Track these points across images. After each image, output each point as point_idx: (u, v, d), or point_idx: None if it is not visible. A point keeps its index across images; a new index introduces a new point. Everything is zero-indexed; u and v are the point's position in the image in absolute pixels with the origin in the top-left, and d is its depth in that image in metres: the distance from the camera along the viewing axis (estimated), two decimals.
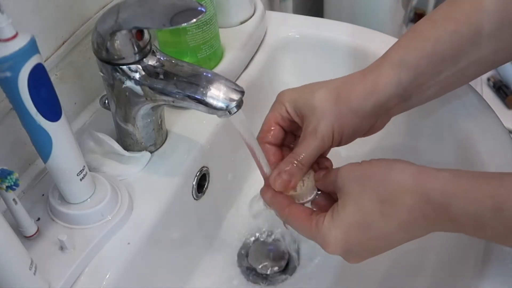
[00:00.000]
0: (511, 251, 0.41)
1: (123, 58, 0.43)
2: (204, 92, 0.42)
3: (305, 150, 0.44)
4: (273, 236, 0.62)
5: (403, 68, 0.43)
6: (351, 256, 0.41)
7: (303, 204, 0.45)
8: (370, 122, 0.45)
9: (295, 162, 0.44)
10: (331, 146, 0.45)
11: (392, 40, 0.61)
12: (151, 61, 0.44)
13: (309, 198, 0.45)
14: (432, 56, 0.43)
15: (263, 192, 0.45)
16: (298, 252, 0.59)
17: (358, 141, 0.47)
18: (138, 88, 0.44)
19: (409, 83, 0.44)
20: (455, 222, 0.36)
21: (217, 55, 0.57)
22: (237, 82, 0.52)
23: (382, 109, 0.45)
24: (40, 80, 0.36)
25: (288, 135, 0.48)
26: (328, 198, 0.45)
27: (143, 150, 0.51)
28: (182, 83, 0.43)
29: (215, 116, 0.44)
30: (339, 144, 0.45)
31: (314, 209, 0.43)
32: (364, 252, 0.41)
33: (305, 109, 0.45)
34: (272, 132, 0.47)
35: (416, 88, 0.44)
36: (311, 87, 0.46)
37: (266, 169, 0.46)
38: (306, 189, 0.44)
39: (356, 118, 0.44)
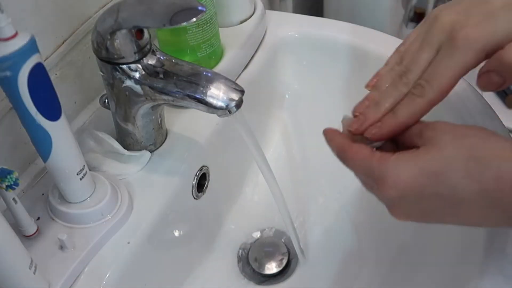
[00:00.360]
0: (511, 251, 0.41)
1: (123, 57, 0.43)
2: (204, 91, 0.42)
3: (443, 67, 0.37)
4: (273, 236, 0.62)
5: None
6: (400, 206, 0.36)
7: None
8: None
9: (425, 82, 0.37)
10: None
11: (392, 40, 0.61)
12: (151, 61, 0.44)
13: (375, 144, 0.39)
14: None
15: (324, 131, 0.40)
16: (298, 252, 0.59)
17: None
18: (138, 88, 0.44)
19: None
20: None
21: (217, 54, 0.57)
22: (237, 81, 0.52)
23: None
24: (40, 79, 0.36)
25: None
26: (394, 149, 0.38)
27: (143, 150, 0.51)
28: (182, 82, 0.43)
29: (215, 115, 0.44)
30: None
31: None
32: (416, 209, 0.35)
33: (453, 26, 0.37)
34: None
35: None
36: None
37: (267, 169, 0.46)
38: None
39: None
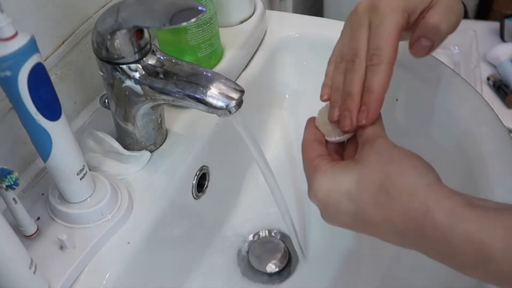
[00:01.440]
0: None
1: (123, 57, 0.43)
2: (204, 91, 0.42)
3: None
4: (273, 236, 0.62)
5: None
6: (324, 212, 0.38)
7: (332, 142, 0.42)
8: None
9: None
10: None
11: None
12: (151, 60, 0.44)
13: (337, 138, 0.42)
14: None
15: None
16: (298, 251, 0.59)
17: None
18: (138, 87, 0.44)
19: None
20: (452, 246, 0.32)
21: (217, 54, 0.57)
22: (237, 81, 0.52)
23: None
24: (40, 79, 0.36)
25: None
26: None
27: (143, 149, 0.51)
28: (182, 82, 0.43)
29: (215, 115, 0.44)
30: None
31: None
32: (337, 219, 0.38)
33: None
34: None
35: None
36: None
37: (267, 168, 0.46)
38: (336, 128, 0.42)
39: None
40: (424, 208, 0.33)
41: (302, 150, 0.41)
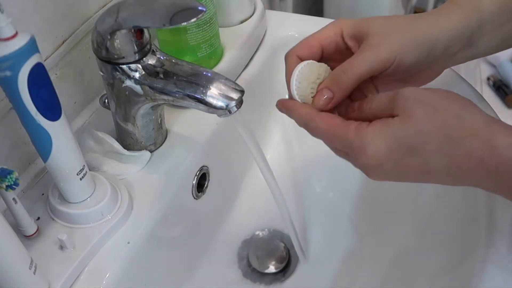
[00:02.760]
0: (511, 251, 0.41)
1: (123, 57, 0.43)
2: (204, 91, 0.42)
3: (359, 62, 0.40)
4: (273, 236, 0.62)
5: (475, 11, 0.42)
6: (378, 171, 0.37)
7: None
8: (430, 60, 0.42)
9: (341, 73, 0.40)
10: (384, 71, 0.41)
11: None
12: (151, 60, 0.44)
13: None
14: (505, 4, 0.42)
15: (280, 103, 0.42)
16: (298, 252, 0.59)
17: None
18: (138, 88, 0.44)
19: (478, 28, 0.42)
20: None
21: (217, 54, 0.57)
22: (237, 81, 0.52)
23: (447, 49, 0.42)
24: (40, 79, 0.36)
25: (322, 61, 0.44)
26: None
27: (143, 150, 0.51)
28: (182, 82, 0.43)
29: (215, 115, 0.44)
30: (397, 69, 0.41)
31: None
32: (393, 173, 0.37)
33: (368, 31, 0.41)
34: (309, 49, 0.43)
35: (483, 35, 0.42)
36: (374, 18, 0.43)
37: (267, 168, 0.46)
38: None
39: (419, 51, 0.41)
40: (488, 145, 0.33)
41: (316, 126, 0.39)
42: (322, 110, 0.40)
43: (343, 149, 0.38)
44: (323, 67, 0.43)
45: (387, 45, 0.40)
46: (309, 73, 0.42)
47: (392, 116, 0.36)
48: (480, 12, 0.42)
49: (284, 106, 0.42)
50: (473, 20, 0.42)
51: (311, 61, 0.43)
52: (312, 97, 0.41)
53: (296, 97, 0.42)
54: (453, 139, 0.34)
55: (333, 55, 0.44)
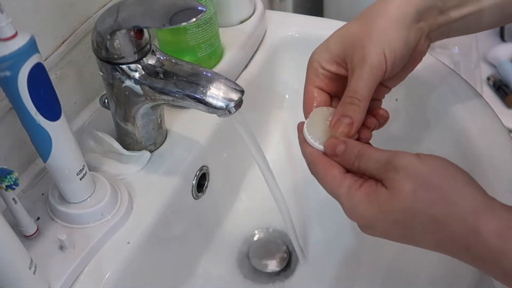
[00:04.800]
0: None
1: (123, 57, 0.43)
2: (204, 91, 0.42)
3: (358, 82, 0.39)
4: (273, 236, 0.62)
5: None
6: (364, 229, 0.38)
7: None
8: (416, 36, 0.41)
9: (351, 99, 0.39)
10: (387, 69, 0.40)
11: None
12: (150, 61, 0.44)
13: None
14: None
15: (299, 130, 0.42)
16: (298, 251, 0.59)
17: None
18: (137, 88, 0.44)
19: None
20: (505, 272, 0.32)
21: (217, 54, 0.57)
22: (237, 82, 0.52)
23: (423, 20, 0.41)
24: (39, 79, 0.36)
25: (334, 100, 0.44)
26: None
27: (143, 150, 0.51)
28: (181, 82, 0.43)
29: (215, 115, 0.44)
30: (394, 65, 0.40)
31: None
32: (382, 235, 0.38)
33: (345, 48, 0.41)
34: (316, 100, 0.43)
35: (456, 7, 0.42)
36: (341, 29, 0.43)
37: (267, 168, 0.46)
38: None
39: (402, 29, 0.40)
40: (475, 234, 0.33)
41: (316, 171, 0.39)
42: (348, 137, 0.39)
43: (335, 199, 0.39)
44: (330, 110, 0.43)
45: (373, 48, 0.39)
46: (318, 117, 0.42)
47: (382, 182, 0.36)
48: None
49: (300, 139, 0.42)
50: None
51: (317, 108, 0.43)
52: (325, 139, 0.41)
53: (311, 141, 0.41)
54: (439, 222, 0.34)
55: (338, 86, 0.44)
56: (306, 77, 0.44)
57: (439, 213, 0.34)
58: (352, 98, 0.39)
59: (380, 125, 0.44)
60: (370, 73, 0.39)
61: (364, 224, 0.38)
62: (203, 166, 0.55)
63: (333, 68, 0.43)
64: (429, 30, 0.42)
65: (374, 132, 0.46)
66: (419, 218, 0.34)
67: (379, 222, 0.36)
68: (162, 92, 0.44)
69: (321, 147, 0.40)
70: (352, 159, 0.38)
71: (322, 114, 0.42)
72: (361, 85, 0.39)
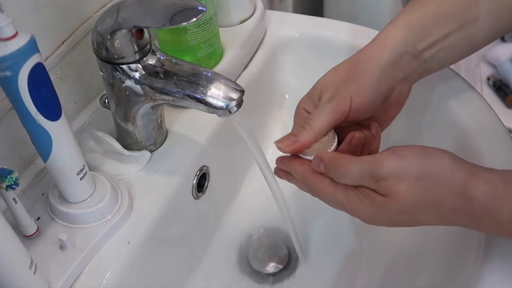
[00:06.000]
0: (511, 249, 0.41)
1: (123, 57, 0.43)
2: (204, 91, 0.42)
3: (316, 113, 0.43)
4: (273, 235, 0.62)
5: (409, 28, 0.44)
6: (371, 223, 0.41)
7: None
8: (389, 82, 0.45)
9: (303, 124, 0.43)
10: (352, 110, 0.43)
11: None
12: (151, 60, 0.44)
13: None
14: (437, 16, 0.44)
15: (278, 160, 0.45)
16: (298, 251, 0.59)
17: None
18: (138, 87, 0.44)
19: (418, 40, 0.44)
20: (500, 225, 0.37)
21: (217, 54, 0.57)
22: (237, 81, 0.52)
23: (396, 68, 0.44)
24: (40, 79, 0.36)
25: None
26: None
27: (143, 149, 0.51)
28: (182, 82, 0.43)
29: (215, 115, 0.44)
30: (361, 109, 0.44)
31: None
32: (387, 223, 0.41)
33: (320, 93, 0.45)
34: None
35: (427, 48, 0.45)
36: (322, 78, 0.46)
37: (267, 168, 0.46)
38: (322, 146, 0.43)
39: (373, 77, 0.44)
40: (468, 200, 0.37)
41: (312, 186, 0.43)
42: (290, 152, 0.44)
43: (337, 206, 0.42)
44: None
45: (341, 90, 0.43)
46: None
47: (376, 191, 0.39)
48: (414, 27, 0.44)
49: (283, 162, 0.45)
50: (412, 35, 0.44)
51: None
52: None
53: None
54: (437, 202, 0.38)
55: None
56: (294, 122, 0.47)
57: (436, 195, 0.37)
58: (304, 123, 0.43)
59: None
60: (331, 109, 0.43)
61: (368, 220, 0.41)
62: (203, 166, 0.55)
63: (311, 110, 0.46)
64: (405, 76, 0.45)
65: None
66: (420, 206, 0.38)
67: (382, 218, 0.40)
68: (162, 92, 0.44)
69: (310, 158, 0.43)
70: (336, 176, 0.40)
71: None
72: (317, 116, 0.43)
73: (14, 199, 0.40)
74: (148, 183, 0.49)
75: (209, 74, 0.44)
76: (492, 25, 0.45)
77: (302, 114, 0.46)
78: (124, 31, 0.41)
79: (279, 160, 0.45)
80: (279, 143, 0.43)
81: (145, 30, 0.43)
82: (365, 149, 0.44)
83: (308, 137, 0.43)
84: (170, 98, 0.44)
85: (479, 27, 0.45)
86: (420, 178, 0.37)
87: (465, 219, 0.38)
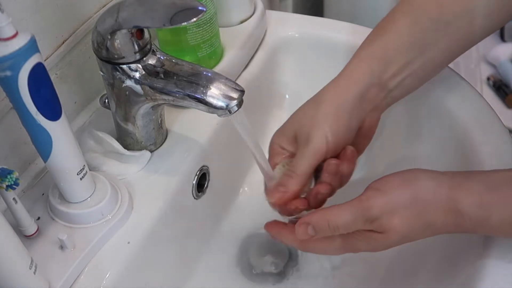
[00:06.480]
0: (511, 248, 0.41)
1: (123, 57, 0.43)
2: (204, 91, 0.42)
3: (299, 159, 0.45)
4: None
5: (373, 60, 0.47)
6: (375, 251, 0.43)
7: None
8: (359, 115, 0.47)
9: (290, 173, 0.45)
10: (329, 150, 0.45)
11: None
12: (151, 60, 0.44)
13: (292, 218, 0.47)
14: (397, 46, 0.46)
15: (267, 227, 0.47)
16: (298, 251, 0.59)
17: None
18: (138, 87, 0.44)
19: (382, 71, 0.46)
20: (493, 230, 0.40)
21: (217, 54, 0.57)
22: (237, 81, 0.52)
23: (365, 101, 0.46)
24: (40, 79, 0.36)
25: None
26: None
27: (143, 149, 0.51)
28: (182, 82, 0.43)
29: (215, 115, 0.44)
30: (337, 146, 0.46)
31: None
32: (389, 247, 0.43)
33: (296, 131, 0.47)
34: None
35: (392, 77, 0.47)
36: (294, 114, 0.48)
37: (267, 168, 0.46)
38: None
39: (344, 114, 0.45)
40: (459, 215, 0.39)
41: (306, 244, 0.44)
42: (280, 204, 0.45)
43: (341, 254, 0.44)
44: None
45: (316, 131, 0.45)
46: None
47: (373, 230, 0.41)
48: (378, 58, 0.46)
49: (272, 231, 0.47)
50: (376, 66, 0.46)
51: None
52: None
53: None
54: (430, 223, 0.40)
55: None
56: (268, 157, 0.49)
57: (427, 217, 0.40)
58: (291, 172, 0.45)
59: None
60: (311, 153, 0.45)
61: (371, 251, 0.43)
62: (203, 166, 0.55)
63: (289, 147, 0.48)
64: (373, 107, 0.47)
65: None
66: (416, 231, 0.40)
67: (383, 247, 0.42)
68: (162, 92, 0.44)
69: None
70: (330, 232, 0.42)
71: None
72: (300, 162, 0.45)
73: (14, 199, 0.40)
74: (148, 183, 0.49)
75: (209, 74, 0.44)
76: (450, 47, 0.47)
77: (277, 149, 0.48)
78: (124, 31, 0.41)
79: (268, 227, 0.47)
80: (270, 198, 0.45)
81: (145, 30, 0.43)
82: (337, 175, 0.46)
83: (296, 185, 0.45)
84: (170, 98, 0.44)
85: (438, 50, 0.47)
86: (409, 207, 0.40)
87: (459, 229, 0.40)
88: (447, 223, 0.40)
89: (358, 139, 0.48)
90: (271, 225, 0.47)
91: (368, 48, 0.48)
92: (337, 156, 0.46)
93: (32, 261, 0.38)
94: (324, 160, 0.45)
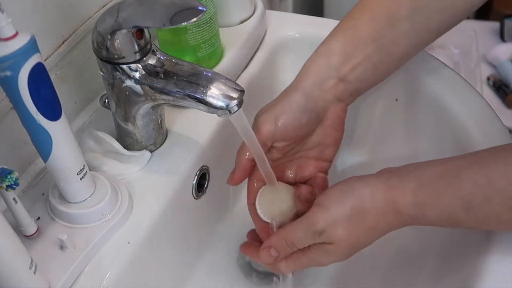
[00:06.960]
0: (511, 247, 0.41)
1: (123, 57, 0.43)
2: (204, 91, 0.42)
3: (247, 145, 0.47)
4: None
5: (331, 55, 0.48)
6: (338, 261, 0.46)
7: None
8: (316, 103, 0.48)
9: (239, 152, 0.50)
10: (277, 130, 0.47)
11: None
12: (151, 60, 0.44)
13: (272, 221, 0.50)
14: (355, 41, 0.48)
15: (242, 249, 0.51)
16: None
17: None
18: (138, 87, 0.44)
19: (340, 65, 0.48)
20: (433, 224, 0.42)
21: (217, 54, 0.58)
22: (237, 81, 0.52)
23: (324, 91, 0.48)
24: (40, 79, 0.36)
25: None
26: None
27: (143, 149, 0.51)
28: (182, 82, 0.43)
29: (215, 115, 0.44)
30: (287, 129, 0.47)
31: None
32: (349, 256, 0.45)
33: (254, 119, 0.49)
34: (248, 168, 0.51)
35: (351, 71, 0.48)
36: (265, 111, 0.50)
37: (266, 168, 0.46)
38: (284, 213, 0.49)
39: (300, 98, 0.47)
40: (398, 214, 0.42)
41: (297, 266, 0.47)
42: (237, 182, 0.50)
43: (309, 266, 0.47)
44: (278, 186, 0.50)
45: (263, 117, 0.48)
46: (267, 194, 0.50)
47: (323, 242, 0.44)
48: (335, 53, 0.48)
49: (246, 253, 0.51)
50: (334, 59, 0.48)
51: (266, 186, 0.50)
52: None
53: (264, 218, 0.50)
54: (374, 227, 0.43)
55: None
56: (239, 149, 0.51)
57: (370, 222, 0.42)
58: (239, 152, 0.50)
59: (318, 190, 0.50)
60: (255, 130, 0.47)
61: (334, 262, 0.45)
62: (203, 166, 0.55)
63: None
64: (335, 97, 0.49)
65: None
66: (362, 236, 0.43)
67: (342, 256, 0.45)
68: (162, 92, 0.44)
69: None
70: (290, 248, 0.45)
71: (270, 191, 0.50)
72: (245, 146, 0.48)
73: (14, 199, 0.40)
74: (148, 183, 0.49)
75: (209, 74, 0.44)
76: (409, 42, 0.49)
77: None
78: (124, 31, 0.41)
79: (242, 250, 0.51)
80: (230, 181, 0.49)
81: (145, 30, 0.43)
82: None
83: (242, 160, 0.49)
84: (170, 98, 0.44)
85: (396, 45, 0.48)
86: (350, 217, 0.42)
87: (404, 225, 0.43)
88: (390, 223, 0.42)
89: (327, 131, 0.49)
90: (244, 247, 0.51)
91: (327, 45, 0.50)
92: (305, 181, 0.51)
93: (32, 261, 0.38)
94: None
